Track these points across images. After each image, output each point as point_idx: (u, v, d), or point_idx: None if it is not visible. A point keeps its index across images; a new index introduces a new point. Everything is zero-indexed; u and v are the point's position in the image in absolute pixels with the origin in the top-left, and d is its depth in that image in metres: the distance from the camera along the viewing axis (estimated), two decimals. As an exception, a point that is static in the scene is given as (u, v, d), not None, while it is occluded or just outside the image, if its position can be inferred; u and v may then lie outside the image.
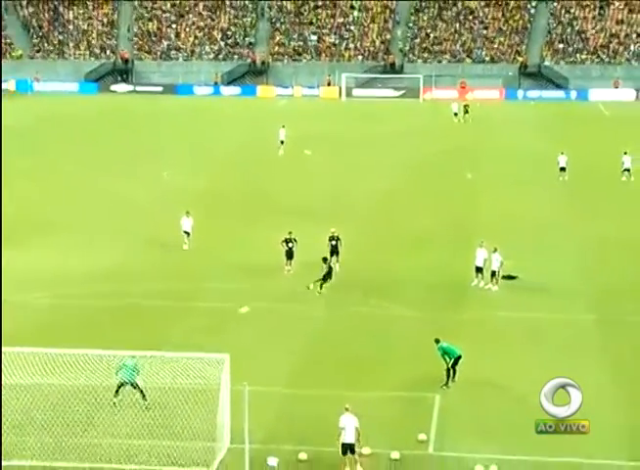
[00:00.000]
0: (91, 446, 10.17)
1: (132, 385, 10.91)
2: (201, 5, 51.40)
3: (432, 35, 49.20)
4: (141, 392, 10.92)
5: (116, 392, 11.01)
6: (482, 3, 49.68)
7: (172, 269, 16.88)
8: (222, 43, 50.32)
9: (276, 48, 49.91)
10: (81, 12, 51.46)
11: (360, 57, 48.94)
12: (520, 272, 16.23)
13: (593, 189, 24.11)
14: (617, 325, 14.10)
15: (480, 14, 49.53)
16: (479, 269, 15.87)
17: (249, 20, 50.85)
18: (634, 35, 47.66)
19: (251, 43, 50.04)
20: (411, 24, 49.76)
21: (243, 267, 16.79)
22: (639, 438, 10.54)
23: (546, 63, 47.37)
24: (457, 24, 49.26)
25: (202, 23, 50.96)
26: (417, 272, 16.63)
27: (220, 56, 50.04)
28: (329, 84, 47.26)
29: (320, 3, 50.83)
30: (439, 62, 48.11)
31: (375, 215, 21.19)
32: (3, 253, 16.74)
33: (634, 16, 48.14)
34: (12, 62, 48.79)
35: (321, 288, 15.30)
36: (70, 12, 51.39)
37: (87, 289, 15.72)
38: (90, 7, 51.51)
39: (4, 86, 45.99)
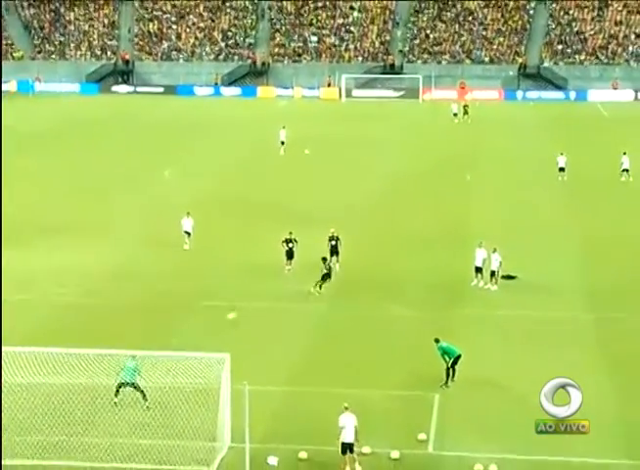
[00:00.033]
0: (92, 445, 10.22)
1: (133, 386, 10.95)
2: (201, 6, 51.45)
3: (431, 36, 49.28)
4: (142, 392, 10.96)
5: (117, 392, 11.06)
6: (482, 4, 49.74)
7: (173, 269, 16.92)
8: (223, 44, 50.38)
9: (276, 49, 49.98)
10: (82, 13, 51.53)
11: (360, 58, 49.02)
12: (519, 272, 16.29)
13: (592, 189, 24.16)
14: (616, 324, 14.15)
15: (480, 15, 49.61)
16: (478, 269, 15.93)
17: (249, 21, 50.93)
18: (633, 36, 47.72)
19: (251, 44, 50.13)
20: (411, 25, 49.84)
21: (243, 267, 16.83)
22: (638, 437, 10.57)
23: (545, 63, 47.47)
24: (456, 25, 49.34)
25: (202, 24, 51.05)
26: (417, 272, 16.69)
27: (221, 57, 50.12)
28: (329, 85, 47.34)
29: (320, 4, 50.89)
30: (439, 62, 48.18)
31: (374, 215, 21.23)
32: (3, 253, 16.77)
33: (633, 17, 48.22)
34: (13, 63, 48.92)
35: (320, 288, 15.35)
36: (72, 13, 51.44)
37: (87, 288, 15.76)
38: (91, 8, 51.59)
39: (5, 87, 46.25)
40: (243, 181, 25.20)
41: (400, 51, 48.85)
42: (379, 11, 50.50)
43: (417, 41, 49.28)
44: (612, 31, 47.97)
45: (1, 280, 14.68)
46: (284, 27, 50.50)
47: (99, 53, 50.43)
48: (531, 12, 49.49)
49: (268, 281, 16.05)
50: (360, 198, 22.89)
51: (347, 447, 9.87)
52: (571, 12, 49.05)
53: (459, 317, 14.43)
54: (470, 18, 49.60)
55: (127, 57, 49.64)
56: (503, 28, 49.06)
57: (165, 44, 50.63)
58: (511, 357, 12.81)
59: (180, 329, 13.70)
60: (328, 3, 50.77)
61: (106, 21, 51.32)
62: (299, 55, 49.63)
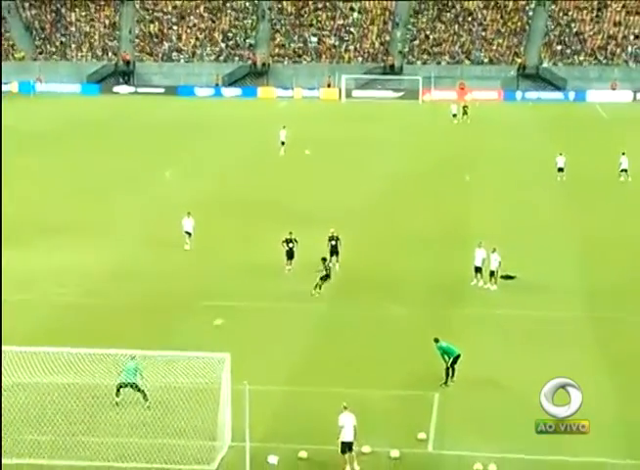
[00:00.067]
0: (93, 444, 10.24)
1: (133, 386, 10.98)
2: (202, 7, 51.55)
3: (431, 37, 49.36)
4: (142, 392, 10.99)
5: (117, 392, 11.09)
6: (481, 5, 49.85)
7: (173, 269, 16.94)
8: (223, 45, 50.47)
9: (276, 50, 50.06)
10: (83, 14, 51.64)
11: (360, 58, 49.09)
12: (518, 272, 16.33)
13: (591, 189, 24.20)
14: (616, 324, 14.17)
15: (479, 16, 49.70)
16: (477, 269, 15.97)
17: (249, 21, 51.02)
18: (631, 37, 47.79)
19: (251, 45, 50.21)
20: (410, 26, 49.92)
21: (243, 267, 16.86)
22: (637, 436, 10.59)
23: (544, 64, 47.57)
24: (456, 26, 49.42)
25: (203, 25, 51.15)
26: (416, 272, 16.73)
27: (221, 57, 50.20)
28: (329, 86, 47.43)
29: (320, 5, 50.97)
30: (438, 63, 48.27)
31: (374, 216, 21.26)
32: (3, 253, 16.80)
33: (631, 18, 48.34)
34: (14, 63, 49.07)
35: (320, 288, 15.38)
36: (73, 14, 51.58)
37: (87, 288, 15.78)
38: (92, 9, 51.73)
39: (7, 88, 46.40)
40: (243, 181, 25.22)
41: (400, 52, 48.94)
42: (378, 12, 50.57)
43: (416, 42, 49.35)
44: (610, 32, 48.05)
45: (1, 280, 14.74)
46: (284, 28, 50.57)
47: (100, 54, 50.54)
48: (530, 13, 49.60)
49: (268, 281, 16.08)
50: (360, 198, 22.93)
51: (347, 447, 9.92)
52: (569, 13, 49.16)
53: (459, 317, 14.47)
54: (469, 19, 49.68)
55: (128, 57, 49.75)
56: (502, 29, 49.15)
57: (166, 45, 50.72)
58: (510, 357, 12.85)
59: (180, 329, 13.73)
60: (328, 4, 50.82)
61: (107, 21, 51.44)
62: (300, 56, 49.70)
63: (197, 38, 50.80)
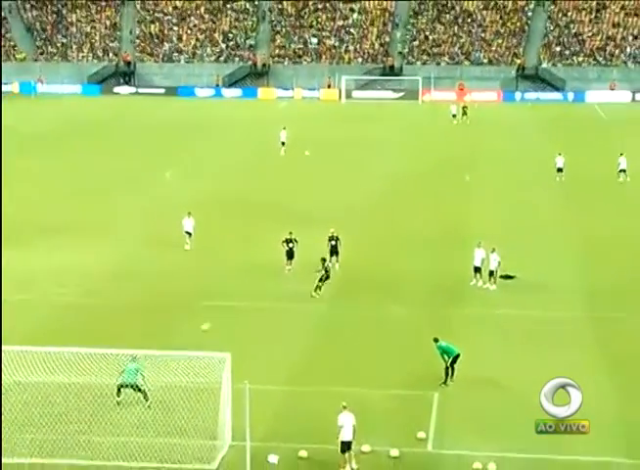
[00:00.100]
0: (94, 443, 10.27)
1: (133, 387, 11.01)
2: (202, 8, 51.62)
3: (430, 38, 49.43)
4: (143, 392, 11.02)
5: (118, 392, 11.13)
6: (481, 6, 49.92)
7: (174, 269, 16.97)
8: (223, 45, 50.52)
9: (277, 50, 50.12)
10: (84, 15, 51.73)
11: (360, 59, 49.16)
12: (517, 272, 16.36)
13: (590, 190, 24.24)
14: (616, 324, 14.19)
15: (479, 17, 49.79)
16: (477, 269, 16.01)
17: (250, 22, 51.08)
18: (630, 38, 47.86)
19: (251, 46, 50.28)
20: (410, 27, 49.99)
21: (244, 267, 16.90)
22: (637, 435, 10.62)
23: (543, 65, 47.64)
24: (455, 27, 49.49)
25: (203, 26, 51.24)
26: (416, 272, 16.77)
27: (221, 58, 50.26)
28: (329, 86, 47.51)
29: (320, 6, 51.03)
30: (438, 64, 48.33)
31: (374, 216, 21.28)
32: (3, 253, 16.82)
33: (630, 19, 48.42)
34: (16, 64, 49.21)
35: (320, 289, 15.39)
36: (74, 15, 51.67)
37: (87, 288, 15.81)
38: (93, 10, 51.80)
39: (8, 88, 46.49)
40: (243, 182, 25.27)
41: (400, 53, 49.00)
42: (378, 13, 50.65)
43: (416, 43, 49.43)
44: (609, 33, 48.14)
45: (1, 280, 14.76)
46: (284, 29, 50.65)
47: (101, 54, 50.63)
48: (530, 14, 49.68)
49: (269, 281, 16.12)
50: (360, 198, 22.96)
51: (346, 446, 9.96)
52: (568, 14, 49.24)
53: (458, 317, 14.51)
54: (469, 20, 49.75)
55: (129, 58, 49.82)
56: (502, 30, 49.24)
57: (167, 46, 50.78)
58: (510, 357, 12.88)
59: (181, 329, 13.77)
60: (328, 5, 50.90)
61: (107, 22, 51.54)
62: (300, 56, 49.77)
63: (197, 39, 50.87)
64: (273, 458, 10.10)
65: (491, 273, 15.93)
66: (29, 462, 9.99)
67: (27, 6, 52.02)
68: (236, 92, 47.86)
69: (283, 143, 29.68)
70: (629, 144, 28.67)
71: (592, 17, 48.84)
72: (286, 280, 16.24)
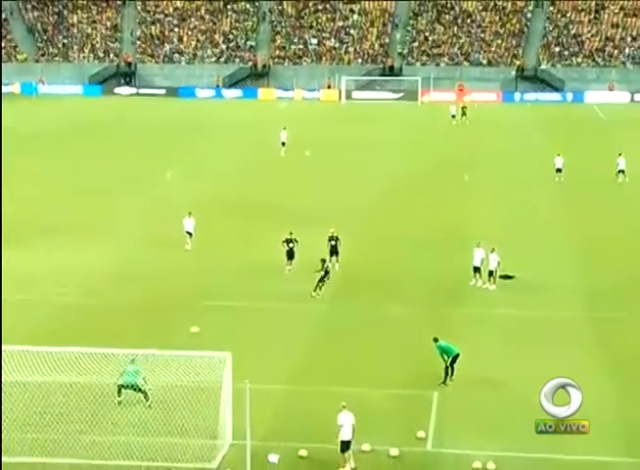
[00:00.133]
0: (94, 443, 10.30)
1: (133, 388, 11.04)
2: (203, 9, 51.72)
3: (430, 39, 49.52)
4: (143, 392, 11.06)
5: (119, 391, 11.17)
6: (480, 7, 50.01)
7: (174, 269, 17.01)
8: (224, 46, 50.62)
9: (277, 51, 50.21)
10: (85, 16, 51.87)
11: (360, 60, 49.25)
12: (517, 272, 16.39)
13: (589, 190, 24.29)
14: (616, 324, 14.22)
15: (478, 17, 49.88)
16: (476, 269, 16.05)
17: (250, 23, 51.16)
18: (629, 39, 47.98)
19: (252, 46, 50.38)
20: (410, 28, 50.07)
21: (244, 267, 16.93)
22: (637, 435, 10.64)
23: (543, 66, 47.74)
24: (455, 28, 49.59)
25: (204, 27, 51.31)
26: (415, 272, 16.80)
27: (222, 59, 50.35)
28: (329, 87, 47.61)
29: (320, 7, 51.14)
30: (438, 65, 48.41)
31: (374, 216, 21.32)
32: (3, 253, 16.84)
33: (629, 19, 48.52)
34: (17, 65, 49.39)
35: (321, 289, 15.42)
36: (75, 16, 51.81)
37: (87, 288, 15.83)
38: (94, 11, 51.95)
39: (9, 89, 46.66)
40: (244, 182, 25.30)
41: (399, 53, 49.10)
42: (378, 13, 50.73)
43: (416, 44, 49.51)
44: (608, 34, 48.24)
45: (1, 280, 14.79)
46: (284, 30, 50.73)
47: (102, 55, 50.74)
48: (529, 15, 49.79)
49: (269, 281, 16.15)
50: (360, 198, 23.01)
51: (346, 445, 10.00)
52: (568, 15, 49.34)
53: (458, 317, 14.54)
54: (468, 20, 49.85)
55: (130, 59, 49.96)
56: (501, 31, 49.32)
57: (167, 46, 50.89)
58: (509, 357, 12.90)
59: (181, 329, 13.78)
60: (328, 6, 50.99)
61: (108, 23, 51.64)
62: (300, 57, 49.86)
63: (198, 40, 50.96)
64: (273, 457, 10.14)
65: (491, 273, 15.96)
66: (30, 462, 10.02)
67: (29, 7, 52.18)
68: (236, 93, 47.95)
69: (283, 143, 29.78)
70: (628, 144, 28.73)
71: (591, 18, 48.94)
72: (286, 280, 16.28)
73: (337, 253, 16.81)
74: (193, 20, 51.56)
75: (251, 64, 49.43)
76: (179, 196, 22.99)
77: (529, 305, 15.09)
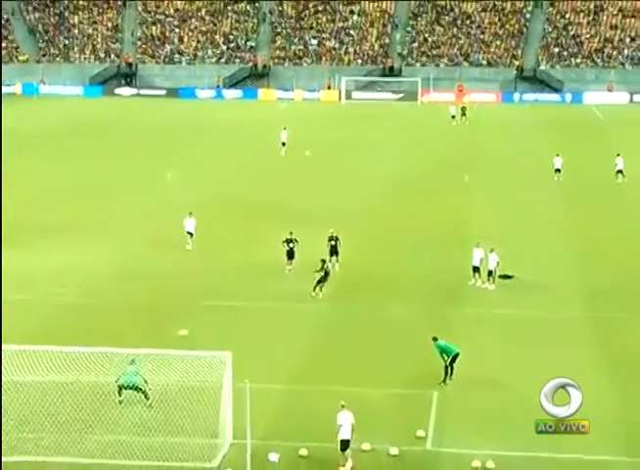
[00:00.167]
0: (95, 442, 10.33)
1: (134, 388, 11.08)
2: (203, 10, 51.80)
3: (430, 39, 49.59)
4: (144, 393, 11.09)
5: (119, 391, 11.20)
6: (479, 8, 50.11)
7: (175, 269, 17.03)
8: (224, 47, 50.69)
9: (277, 52, 50.27)
10: (86, 17, 51.96)
11: (360, 61, 49.32)
12: (516, 272, 16.42)
13: (588, 190, 24.34)
14: (616, 324, 14.24)
15: (477, 18, 49.96)
16: (475, 269, 16.08)
17: (250, 24, 51.24)
18: (628, 40, 48.07)
19: (252, 47, 50.44)
20: (409, 29, 50.15)
21: (244, 267, 16.97)
22: (637, 434, 10.65)
23: (542, 66, 47.85)
24: (454, 29, 49.66)
25: (204, 28, 51.39)
26: (415, 272, 16.84)
27: (222, 60, 50.42)
28: (329, 87, 47.68)
29: (320, 8, 51.22)
30: (437, 65, 48.50)
31: (374, 216, 21.35)
32: (3, 253, 16.84)
33: (628, 21, 48.61)
34: (18, 65, 49.54)
35: (322, 289, 15.44)
36: (76, 17, 51.91)
37: (87, 288, 15.85)
38: (95, 12, 52.04)
39: (11, 90, 46.78)
40: (244, 182, 25.33)
41: (399, 54, 49.16)
42: (378, 14, 50.81)
43: (416, 44, 49.58)
44: (607, 35, 48.34)
45: (1, 280, 14.78)
46: (284, 31, 50.80)
47: (103, 56, 50.84)
48: (528, 16, 49.88)
49: (269, 281, 16.18)
50: (360, 198, 23.05)
51: (346, 444, 10.03)
52: (567, 16, 49.42)
53: (457, 316, 14.57)
54: (467, 21, 49.93)
55: (130, 60, 50.04)
56: (500, 32, 49.40)
57: (168, 47, 50.97)
58: (509, 356, 12.93)
59: (182, 328, 13.78)
60: (328, 7, 51.07)
61: (109, 24, 51.73)
62: (300, 58, 49.93)
63: (198, 41, 51.02)
64: (273, 456, 10.17)
65: (490, 273, 15.99)
66: (30, 461, 10.03)
67: (30, 8, 52.28)
68: (236, 93, 48.02)
69: (283, 144, 29.84)
70: (627, 145, 28.75)
71: (590, 19, 49.03)
72: (286, 280, 16.30)
73: (336, 253, 16.85)
74: (193, 20, 51.60)
75: (251, 64, 49.50)
76: (180, 196, 23.03)
77: (529, 305, 15.12)
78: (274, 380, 11.86)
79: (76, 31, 51.54)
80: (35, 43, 51.34)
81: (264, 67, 49.40)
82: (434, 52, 49.08)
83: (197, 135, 33.89)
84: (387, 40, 49.83)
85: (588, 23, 48.82)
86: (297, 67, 49.32)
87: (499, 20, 49.77)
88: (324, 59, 49.60)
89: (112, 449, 10.27)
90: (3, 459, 9.93)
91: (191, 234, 18.39)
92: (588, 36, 48.30)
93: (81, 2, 52.17)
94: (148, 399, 11.16)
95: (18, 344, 10.95)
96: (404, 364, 12.57)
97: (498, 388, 11.91)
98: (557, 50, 48.31)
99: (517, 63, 47.87)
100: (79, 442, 10.34)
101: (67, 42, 51.22)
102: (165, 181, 25.28)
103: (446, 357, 12.04)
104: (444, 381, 12.00)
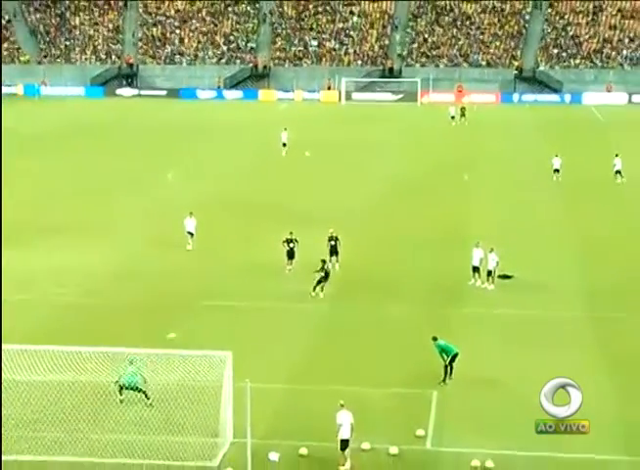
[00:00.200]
0: (96, 441, 10.35)
1: (133, 388, 11.10)
2: (204, 11, 51.90)
3: (429, 40, 49.68)
4: (144, 393, 11.11)
5: (120, 391, 11.24)
6: (479, 9, 50.21)
7: (175, 269, 17.06)
8: (225, 48, 50.77)
9: (277, 53, 50.35)
10: (87, 18, 52.04)
11: (359, 61, 49.40)
12: (516, 271, 16.45)
13: (586, 190, 24.37)
14: (616, 324, 14.25)
15: (477, 19, 50.03)
16: (475, 269, 16.11)
17: (250, 25, 51.32)
18: (626, 40, 48.13)
19: (252, 48, 50.52)
20: (409, 30, 50.23)
21: (245, 267, 17.00)
22: (637, 434, 10.68)
23: (541, 67, 47.91)
24: (454, 30, 49.73)
25: (205, 29, 51.48)
26: (415, 272, 16.87)
27: (223, 60, 50.49)
28: (329, 88, 47.77)
29: (320, 9, 51.30)
30: (437, 66, 48.58)
31: (374, 216, 21.38)
32: (3, 253, 16.86)
33: (627, 21, 48.69)
34: (20, 66, 49.66)
35: (322, 289, 15.46)
36: (77, 18, 52.00)
37: (87, 288, 15.87)
38: (96, 13, 52.13)
39: (12, 90, 46.98)
40: (245, 183, 25.39)
41: (399, 55, 49.23)
42: (378, 15, 50.89)
43: (415, 45, 49.67)
44: (606, 36, 48.40)
45: (1, 280, 14.81)
46: (285, 32, 50.88)
47: (104, 57, 50.93)
48: (527, 16, 49.96)
49: (269, 281, 16.21)
50: (360, 199, 23.08)
51: (346, 444, 10.05)
52: (566, 16, 49.49)
53: (457, 316, 14.59)
54: (467, 22, 50.01)
55: (131, 61, 50.13)
56: (500, 33, 49.47)
57: (169, 48, 51.06)
58: (509, 356, 12.95)
59: (182, 328, 13.83)
60: (328, 8, 51.15)
61: (110, 25, 51.82)
62: (300, 59, 50.00)
63: (199, 41, 51.10)
64: (274, 456, 10.19)
65: (489, 273, 16.02)
66: (31, 460, 10.05)
67: (31, 9, 52.36)
68: (237, 94, 48.10)
69: (284, 144, 29.88)
70: (626, 145, 28.79)
71: (589, 19, 49.09)
72: (286, 280, 16.33)
73: (336, 253, 16.87)
74: (194, 21, 51.67)
75: (251, 65, 49.56)
76: (180, 196, 23.06)
77: (529, 305, 15.14)
78: (274, 379, 11.88)
79: (77, 32, 51.64)
80: (37, 44, 51.45)
81: (265, 67, 49.47)
82: (434, 53, 49.14)
83: (197, 136, 33.95)
84: (386, 41, 49.89)
85: (587, 23, 48.86)
86: (297, 67, 49.39)
87: (498, 20, 49.81)
88: (324, 60, 49.66)
89: (112, 448, 10.30)
90: (3, 458, 9.95)
91: (191, 234, 18.43)
92: (587, 37, 48.35)
93: (82, 3, 52.22)
94: (148, 399, 11.19)
95: (18, 344, 10.98)
96: (404, 364, 12.59)
97: (498, 388, 11.94)
98: (556, 51, 48.34)
99: (516, 63, 47.94)
100: (80, 441, 10.37)
101: (68, 43, 51.29)
102: (166, 181, 25.31)
103: (446, 357, 12.07)
104: (444, 381, 12.02)
